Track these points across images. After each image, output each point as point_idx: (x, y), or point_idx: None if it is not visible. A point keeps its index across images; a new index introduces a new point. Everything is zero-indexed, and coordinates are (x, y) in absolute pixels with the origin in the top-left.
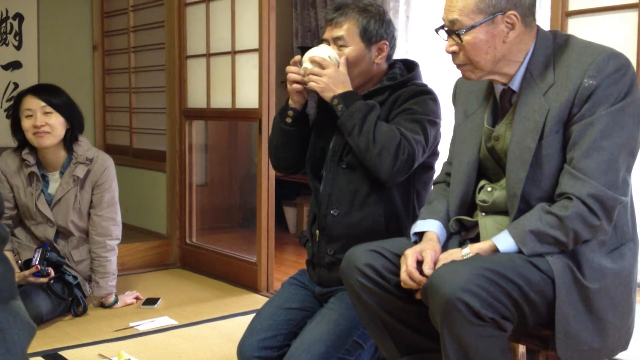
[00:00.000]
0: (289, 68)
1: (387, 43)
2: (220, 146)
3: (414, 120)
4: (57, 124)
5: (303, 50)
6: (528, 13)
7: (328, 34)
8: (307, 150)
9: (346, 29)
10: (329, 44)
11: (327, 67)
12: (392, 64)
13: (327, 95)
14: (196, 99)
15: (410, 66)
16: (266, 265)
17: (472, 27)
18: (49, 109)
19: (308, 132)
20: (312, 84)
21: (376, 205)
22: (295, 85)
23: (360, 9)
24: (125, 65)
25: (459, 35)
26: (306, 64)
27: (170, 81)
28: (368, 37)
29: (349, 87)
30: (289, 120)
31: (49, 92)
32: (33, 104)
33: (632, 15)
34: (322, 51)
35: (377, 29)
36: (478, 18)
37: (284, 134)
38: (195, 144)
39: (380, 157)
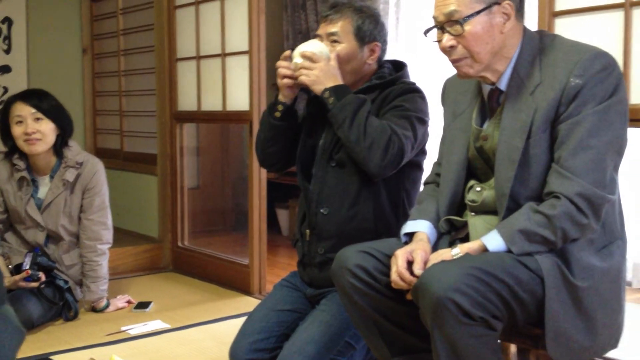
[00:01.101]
0: (280, 63)
1: (379, 45)
2: (212, 149)
3: (403, 116)
4: (47, 130)
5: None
6: (519, 7)
7: (322, 30)
8: (294, 147)
9: (340, 26)
10: (322, 40)
11: (317, 61)
12: (381, 64)
13: (318, 89)
14: (187, 101)
15: (398, 66)
16: (259, 268)
17: (474, 14)
18: (39, 115)
19: (296, 128)
20: (302, 78)
21: (365, 203)
22: (285, 80)
23: (356, 8)
24: (115, 68)
25: (461, 25)
26: (297, 58)
27: (160, 84)
28: (361, 37)
29: (340, 81)
30: (277, 114)
31: (38, 98)
32: (23, 110)
33: (618, 15)
34: (312, 46)
35: (372, 30)
36: (477, 7)
37: (272, 128)
38: (186, 146)
39: (371, 151)
